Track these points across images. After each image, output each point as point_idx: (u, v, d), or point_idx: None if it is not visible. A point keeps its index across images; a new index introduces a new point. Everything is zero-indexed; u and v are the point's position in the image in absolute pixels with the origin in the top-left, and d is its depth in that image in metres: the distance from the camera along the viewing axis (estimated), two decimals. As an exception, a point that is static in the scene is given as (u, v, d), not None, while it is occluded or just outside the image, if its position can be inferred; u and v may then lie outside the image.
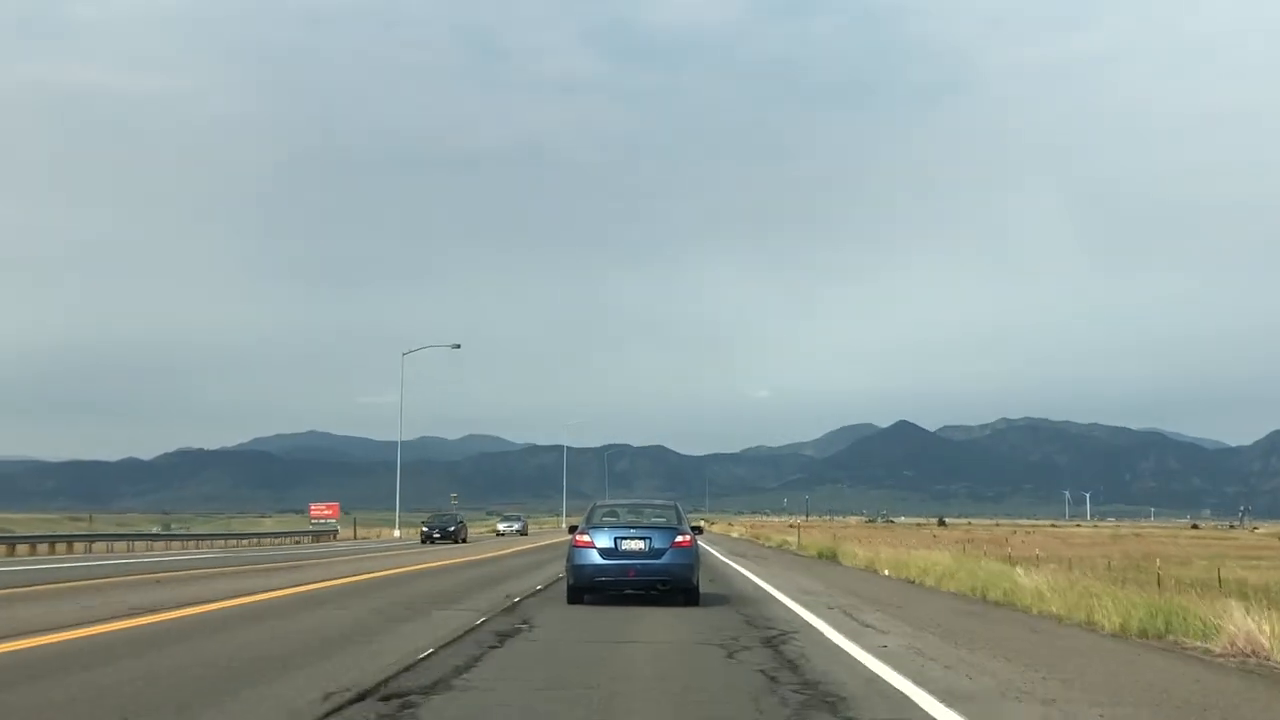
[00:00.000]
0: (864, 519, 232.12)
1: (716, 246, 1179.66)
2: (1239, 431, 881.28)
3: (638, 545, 20.53)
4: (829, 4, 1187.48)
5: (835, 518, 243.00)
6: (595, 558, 20.55)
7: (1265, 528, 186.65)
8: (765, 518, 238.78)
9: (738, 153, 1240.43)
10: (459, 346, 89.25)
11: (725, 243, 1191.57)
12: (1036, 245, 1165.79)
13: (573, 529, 21.94)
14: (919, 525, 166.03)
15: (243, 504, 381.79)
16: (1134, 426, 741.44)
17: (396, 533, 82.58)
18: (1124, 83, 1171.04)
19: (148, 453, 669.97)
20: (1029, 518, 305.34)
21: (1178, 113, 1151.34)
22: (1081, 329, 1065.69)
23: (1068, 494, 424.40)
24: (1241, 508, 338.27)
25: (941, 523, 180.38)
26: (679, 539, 20.71)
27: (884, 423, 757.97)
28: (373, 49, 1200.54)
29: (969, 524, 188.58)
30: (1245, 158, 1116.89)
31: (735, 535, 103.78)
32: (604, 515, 22.10)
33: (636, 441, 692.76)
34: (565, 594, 21.28)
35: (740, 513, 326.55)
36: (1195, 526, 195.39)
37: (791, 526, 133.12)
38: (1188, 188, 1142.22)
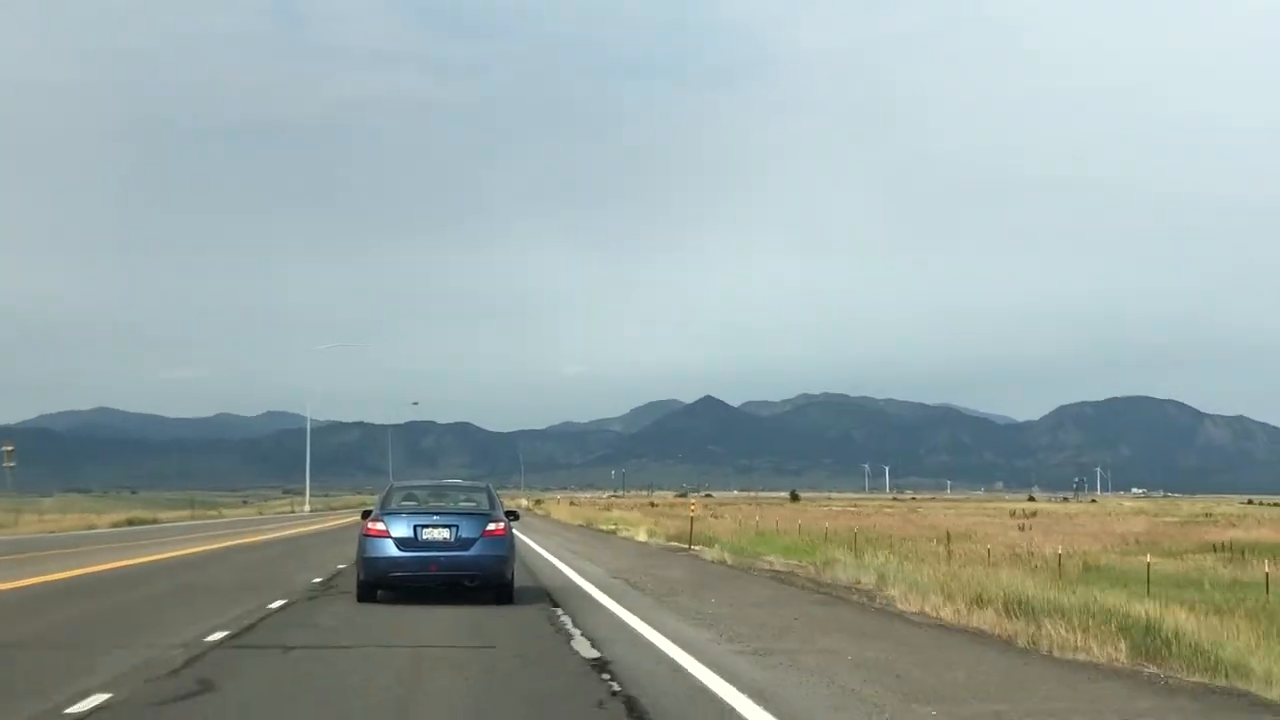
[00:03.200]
0: (676, 494, 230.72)
1: (527, 220, 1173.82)
2: (1027, 407, 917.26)
3: (442, 534, 18.02)
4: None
5: (654, 492, 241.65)
6: (390, 549, 17.84)
7: (1122, 500, 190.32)
8: (575, 494, 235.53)
9: (550, 126, 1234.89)
10: None
11: (536, 217, 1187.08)
12: (838, 223, 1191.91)
13: (365, 514, 18.91)
14: (755, 500, 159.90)
15: (23, 485, 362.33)
16: (928, 402, 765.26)
17: None
18: (927, 63, 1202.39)
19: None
20: (831, 491, 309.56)
21: (979, 94, 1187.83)
22: (879, 306, 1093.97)
23: (867, 467, 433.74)
24: (1076, 480, 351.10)
25: (794, 497, 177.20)
26: (491, 527, 18.28)
27: (689, 398, 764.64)
28: (177, 14, 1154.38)
29: (829, 498, 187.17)
30: (1039, 140, 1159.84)
31: (627, 531, 53.33)
32: (402, 499, 19.40)
33: (443, 418, 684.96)
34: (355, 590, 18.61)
35: (548, 489, 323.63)
36: (1031, 499, 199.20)
37: (652, 505, 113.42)
38: (983, 168, 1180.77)
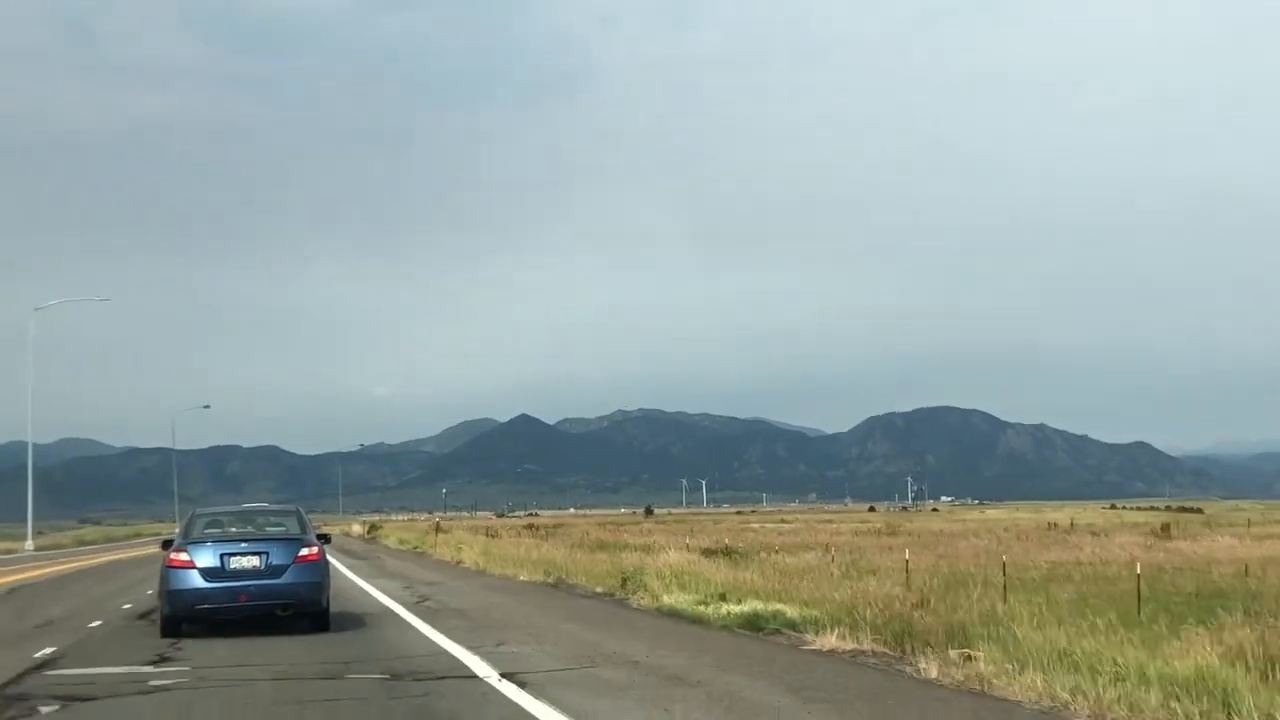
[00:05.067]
0: (497, 514, 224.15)
1: (332, 239, 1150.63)
2: (837, 419, 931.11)
3: (251, 563, 17.37)
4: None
5: (477, 513, 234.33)
6: (196, 580, 17.13)
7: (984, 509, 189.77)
8: (389, 517, 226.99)
9: (354, 143, 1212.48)
10: None
11: (341, 235, 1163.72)
12: (651, 240, 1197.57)
13: (166, 544, 18.29)
14: (581, 518, 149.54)
15: None
16: (742, 416, 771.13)
17: None
18: (734, 83, 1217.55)
19: None
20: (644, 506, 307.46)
21: (786, 113, 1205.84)
22: (693, 322, 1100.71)
23: (685, 482, 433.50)
24: (916, 487, 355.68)
25: (649, 512, 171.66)
26: (304, 552, 17.72)
27: (504, 417, 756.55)
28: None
29: (669, 512, 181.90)
30: (844, 158, 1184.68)
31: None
32: (206, 526, 18.64)
33: (248, 442, 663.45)
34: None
35: (359, 511, 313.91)
36: (872, 509, 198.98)
37: (531, 526, 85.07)
38: (793, 186, 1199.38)
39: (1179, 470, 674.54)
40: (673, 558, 29.52)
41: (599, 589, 26.19)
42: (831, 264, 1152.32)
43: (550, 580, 30.13)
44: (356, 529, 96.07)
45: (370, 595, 25.87)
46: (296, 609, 17.67)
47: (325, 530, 19.75)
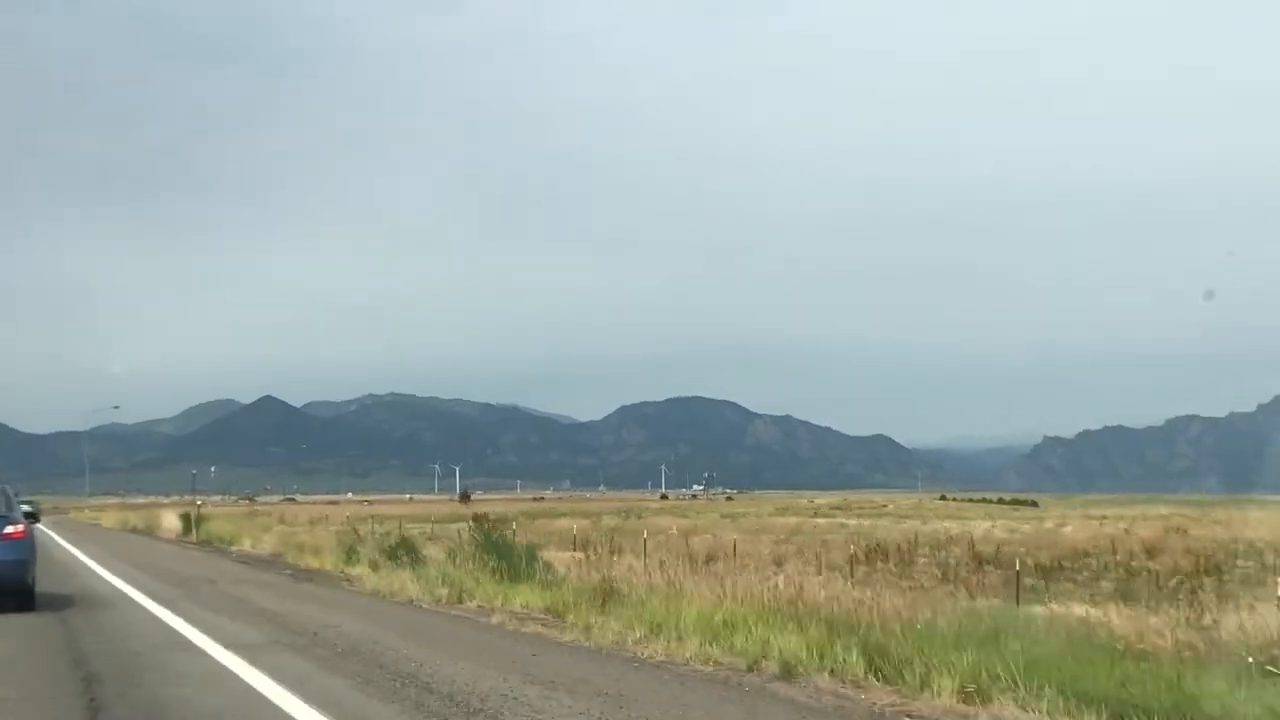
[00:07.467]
0: (240, 498, 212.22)
1: (65, 208, 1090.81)
2: (589, 407, 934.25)
3: None
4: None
5: (228, 496, 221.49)
6: None
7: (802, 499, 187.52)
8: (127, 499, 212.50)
9: (97, 109, 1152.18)
10: None
11: (76, 204, 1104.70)
12: (406, 222, 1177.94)
13: None
14: (383, 504, 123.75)
15: None
16: (495, 402, 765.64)
17: None
18: (494, 68, 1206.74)
19: None
20: (397, 491, 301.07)
21: (552, 98, 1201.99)
22: (448, 306, 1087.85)
23: (437, 468, 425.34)
24: (706, 475, 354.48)
25: (465, 498, 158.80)
26: (9, 530, 17.14)
27: (247, 399, 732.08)
28: None
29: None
30: (609, 146, 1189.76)
31: None
32: None
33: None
34: None
35: (92, 495, 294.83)
36: (664, 497, 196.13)
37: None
38: (554, 172, 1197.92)
39: (915, 463, 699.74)
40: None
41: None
42: (588, 253, 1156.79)
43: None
44: (171, 523, 59.58)
45: None
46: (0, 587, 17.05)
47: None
